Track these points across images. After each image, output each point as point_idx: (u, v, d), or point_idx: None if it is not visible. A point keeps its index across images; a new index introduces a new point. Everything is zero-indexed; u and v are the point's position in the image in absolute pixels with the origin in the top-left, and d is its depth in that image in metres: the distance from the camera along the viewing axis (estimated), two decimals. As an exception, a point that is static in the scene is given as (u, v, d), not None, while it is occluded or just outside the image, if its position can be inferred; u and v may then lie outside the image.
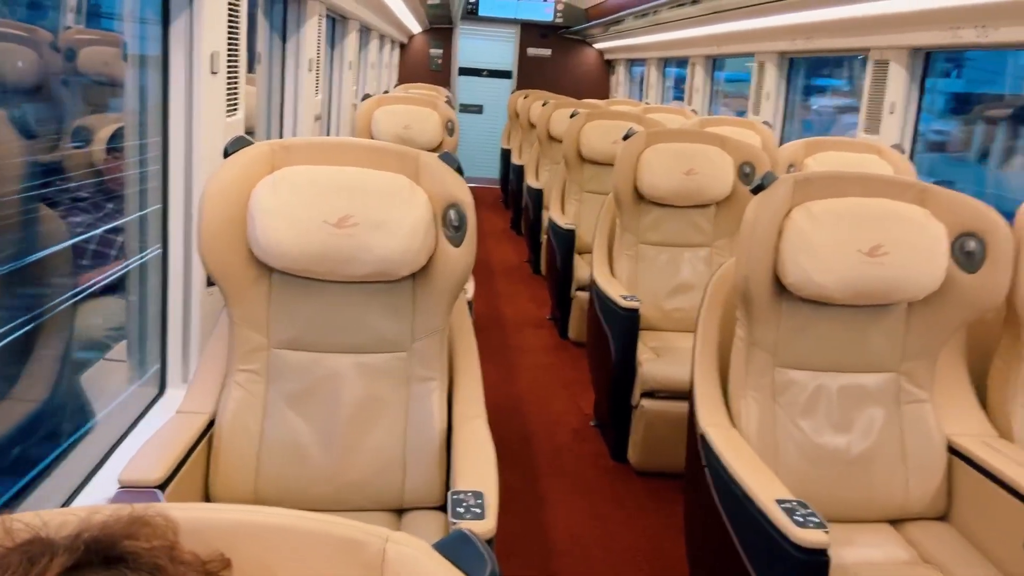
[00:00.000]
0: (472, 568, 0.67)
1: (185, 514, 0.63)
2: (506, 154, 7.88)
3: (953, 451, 1.79)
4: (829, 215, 1.72)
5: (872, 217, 1.72)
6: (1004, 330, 1.87)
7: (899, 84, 3.49)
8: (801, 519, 1.39)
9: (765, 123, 4.43)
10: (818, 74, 5.02)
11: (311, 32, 3.46)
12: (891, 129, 3.53)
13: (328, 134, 4.73)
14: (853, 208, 1.74)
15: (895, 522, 1.80)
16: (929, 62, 3.46)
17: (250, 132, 2.24)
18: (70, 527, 0.55)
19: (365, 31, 5.86)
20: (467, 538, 0.69)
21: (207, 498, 1.59)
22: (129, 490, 1.32)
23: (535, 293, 5.10)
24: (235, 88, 2.05)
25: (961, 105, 3.76)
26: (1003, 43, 2.81)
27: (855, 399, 1.82)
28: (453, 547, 0.69)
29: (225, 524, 0.67)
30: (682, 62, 6.84)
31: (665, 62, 7.69)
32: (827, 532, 1.37)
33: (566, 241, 3.99)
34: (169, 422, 1.56)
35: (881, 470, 1.78)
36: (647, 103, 7.33)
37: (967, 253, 1.74)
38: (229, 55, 1.97)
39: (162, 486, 1.36)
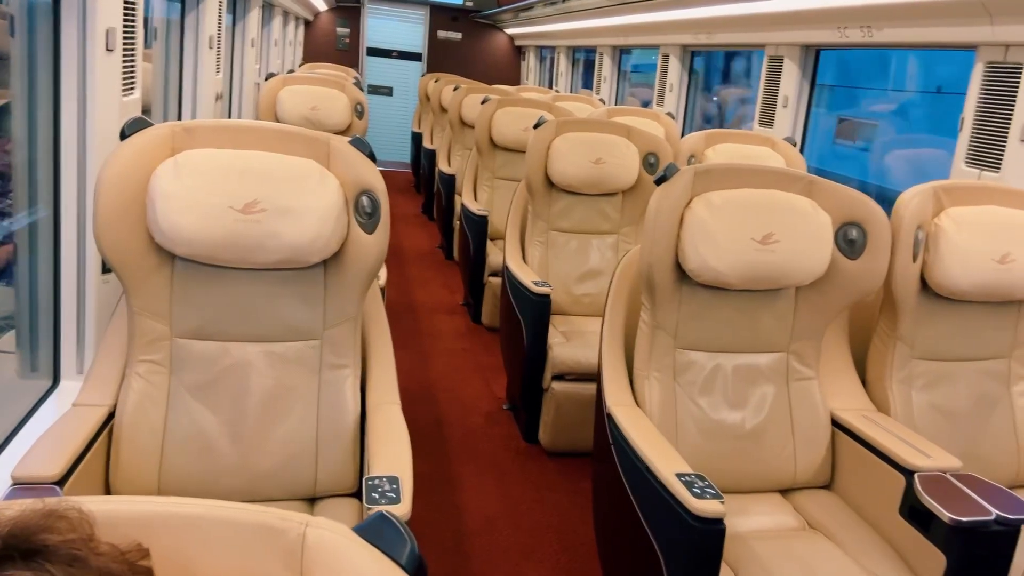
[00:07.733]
0: (393, 548, 0.68)
1: (99, 507, 0.62)
2: (417, 138, 7.80)
3: (836, 424, 1.93)
4: (726, 205, 1.81)
5: (765, 207, 1.83)
6: (881, 312, 2.03)
7: (792, 79, 3.68)
8: (699, 491, 1.48)
9: (668, 114, 4.57)
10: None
11: (211, 7, 3.32)
12: (784, 122, 3.73)
13: (230, 114, 4.57)
14: (748, 199, 1.84)
15: (785, 491, 1.94)
16: (819, 60, 3.67)
17: (145, 111, 2.14)
18: None
19: (268, 7, 5.66)
20: (387, 519, 0.71)
21: (107, 494, 1.54)
22: (24, 487, 1.26)
23: (448, 279, 5.10)
24: (132, 66, 1.96)
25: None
26: (886, 43, 3.01)
27: (749, 377, 1.93)
28: (373, 529, 0.70)
29: (140, 516, 0.67)
30: (591, 48, 6.96)
31: (574, 50, 7.79)
32: (723, 503, 1.46)
33: (479, 227, 4.01)
34: (65, 415, 1.49)
35: (772, 443, 1.91)
36: (556, 91, 7.43)
37: (850, 241, 1.87)
38: (125, 31, 1.88)
39: (60, 482, 1.30)
